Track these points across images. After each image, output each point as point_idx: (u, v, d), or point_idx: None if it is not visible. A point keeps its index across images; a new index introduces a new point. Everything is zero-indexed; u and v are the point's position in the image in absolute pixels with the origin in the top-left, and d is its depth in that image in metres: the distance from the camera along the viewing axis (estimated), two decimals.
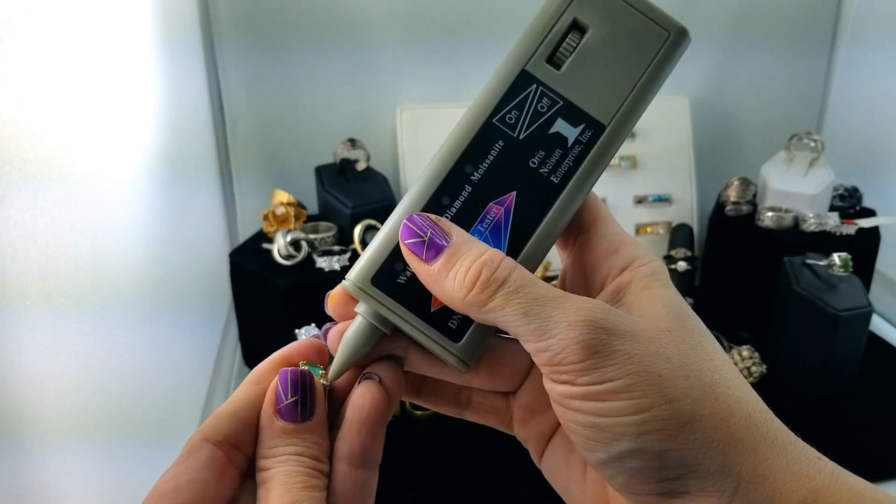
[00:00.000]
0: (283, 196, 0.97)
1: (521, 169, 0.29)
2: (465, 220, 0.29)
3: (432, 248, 0.27)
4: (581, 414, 0.25)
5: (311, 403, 0.27)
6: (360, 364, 0.29)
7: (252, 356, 1.01)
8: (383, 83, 1.12)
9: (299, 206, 0.98)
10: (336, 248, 0.96)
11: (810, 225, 1.01)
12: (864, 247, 1.00)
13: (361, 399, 0.28)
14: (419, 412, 0.86)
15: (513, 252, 0.28)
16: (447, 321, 0.28)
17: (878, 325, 1.08)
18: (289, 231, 0.94)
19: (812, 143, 1.05)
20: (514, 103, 0.29)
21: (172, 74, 0.83)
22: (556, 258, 0.90)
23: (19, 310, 0.40)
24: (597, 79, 0.29)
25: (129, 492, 0.55)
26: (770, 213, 1.03)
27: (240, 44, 1.07)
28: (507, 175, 0.29)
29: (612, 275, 0.29)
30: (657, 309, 0.27)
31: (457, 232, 0.27)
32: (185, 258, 0.85)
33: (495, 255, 0.27)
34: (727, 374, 0.26)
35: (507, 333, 0.27)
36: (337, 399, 0.29)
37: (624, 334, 0.25)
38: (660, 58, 0.29)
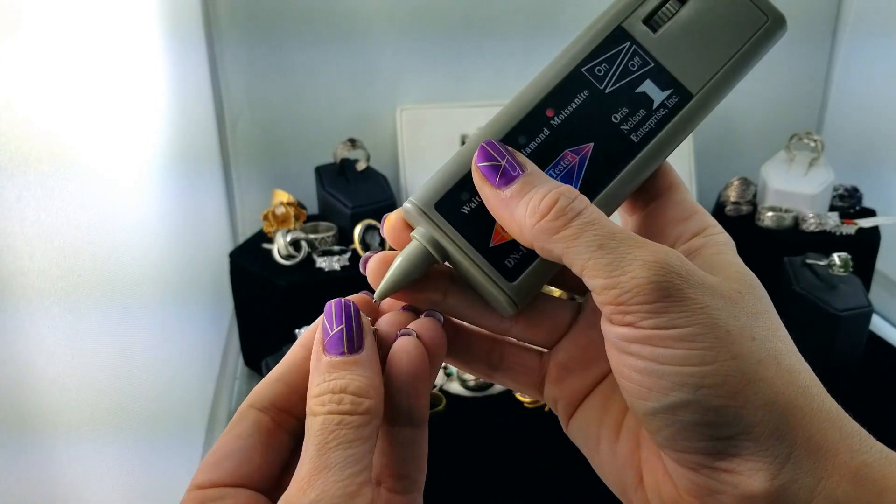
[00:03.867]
0: (283, 196, 0.97)
1: (603, 122, 0.28)
2: (539, 163, 0.28)
3: (506, 176, 0.26)
4: (639, 359, 0.25)
5: (358, 334, 0.26)
6: (406, 291, 0.29)
7: (252, 356, 1.01)
8: (383, 83, 1.12)
9: (299, 206, 0.98)
10: (336, 248, 0.96)
11: (810, 225, 1.01)
12: (864, 247, 1.01)
13: (399, 359, 0.27)
14: None
15: None
16: (505, 258, 0.28)
17: (878, 325, 1.08)
18: (289, 231, 0.94)
19: (812, 143, 1.05)
20: (605, 56, 0.29)
21: (177, 75, 0.83)
22: None
23: (39, 309, 0.41)
24: (690, 49, 0.29)
25: (146, 486, 0.55)
26: (770, 213, 1.03)
27: (240, 44, 1.07)
28: (588, 125, 0.28)
29: (682, 238, 0.28)
30: (729, 272, 0.26)
31: (531, 165, 0.27)
32: (193, 258, 0.85)
33: (571, 188, 0.26)
34: (789, 345, 0.26)
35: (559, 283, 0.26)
36: (381, 350, 0.28)
37: (698, 284, 0.24)
38: (755, 40, 0.29)
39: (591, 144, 0.28)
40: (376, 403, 0.25)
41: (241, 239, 1.10)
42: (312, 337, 0.28)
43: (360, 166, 1.04)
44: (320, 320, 0.27)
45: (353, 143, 1.03)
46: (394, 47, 1.10)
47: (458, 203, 0.28)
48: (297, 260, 0.93)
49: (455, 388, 0.90)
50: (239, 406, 0.27)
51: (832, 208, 1.07)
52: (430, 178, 0.28)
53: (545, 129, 0.28)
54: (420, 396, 0.27)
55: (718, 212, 1.08)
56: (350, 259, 0.93)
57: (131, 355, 0.56)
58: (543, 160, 0.28)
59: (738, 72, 0.29)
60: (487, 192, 0.27)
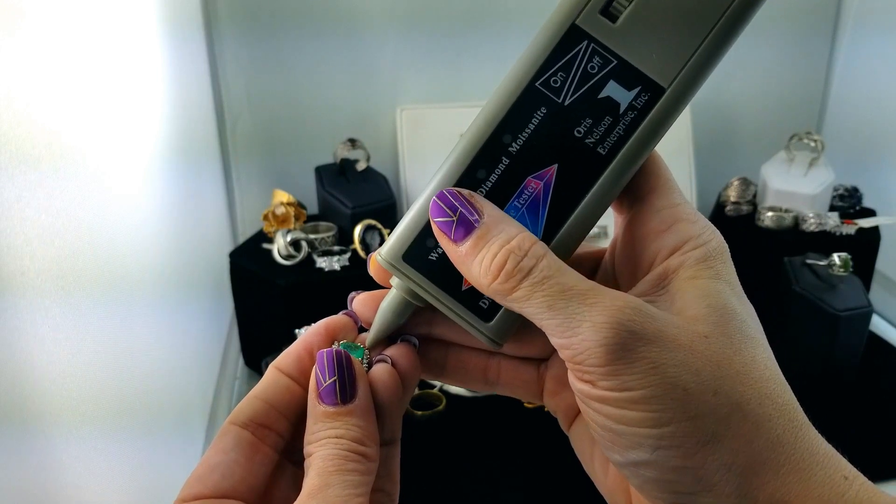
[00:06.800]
0: (283, 196, 0.97)
1: (565, 139, 0.26)
2: (501, 196, 0.26)
3: (461, 227, 0.26)
4: (600, 416, 0.25)
5: (350, 384, 0.27)
6: (395, 335, 0.30)
7: (252, 356, 1.01)
8: (383, 83, 1.12)
9: (299, 206, 0.98)
10: (336, 248, 0.96)
11: (810, 225, 1.01)
12: (864, 247, 1.00)
13: (375, 389, 0.28)
14: (419, 412, 0.86)
15: (551, 231, 0.27)
16: (478, 300, 0.27)
17: (878, 325, 1.08)
18: (289, 231, 0.94)
19: (812, 143, 1.05)
20: (560, 64, 0.26)
21: (177, 73, 0.83)
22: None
23: (39, 309, 0.41)
24: (658, 33, 0.25)
25: (146, 485, 0.55)
26: (770, 213, 1.03)
27: (240, 43, 1.07)
28: (549, 146, 0.26)
29: (660, 256, 0.27)
30: (699, 307, 0.25)
31: (489, 210, 0.26)
32: (193, 257, 0.85)
33: (524, 241, 0.25)
34: (763, 387, 0.24)
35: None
36: None
37: (652, 339, 0.24)
38: (734, 10, 0.25)
39: (555, 166, 0.26)
40: (373, 451, 0.26)
41: (241, 239, 1.10)
42: (286, 360, 0.29)
43: (360, 166, 1.04)
44: (315, 367, 0.28)
45: (353, 143, 1.03)
46: (394, 47, 1.10)
47: (425, 250, 0.27)
48: (297, 260, 0.93)
49: (455, 388, 0.90)
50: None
51: (832, 208, 1.07)
52: (397, 228, 0.28)
53: (504, 159, 0.26)
54: (394, 419, 0.28)
55: (718, 212, 1.08)
56: (350, 259, 0.93)
57: (131, 355, 0.56)
58: (506, 193, 0.27)
59: (715, 52, 0.25)
60: (446, 246, 0.26)
